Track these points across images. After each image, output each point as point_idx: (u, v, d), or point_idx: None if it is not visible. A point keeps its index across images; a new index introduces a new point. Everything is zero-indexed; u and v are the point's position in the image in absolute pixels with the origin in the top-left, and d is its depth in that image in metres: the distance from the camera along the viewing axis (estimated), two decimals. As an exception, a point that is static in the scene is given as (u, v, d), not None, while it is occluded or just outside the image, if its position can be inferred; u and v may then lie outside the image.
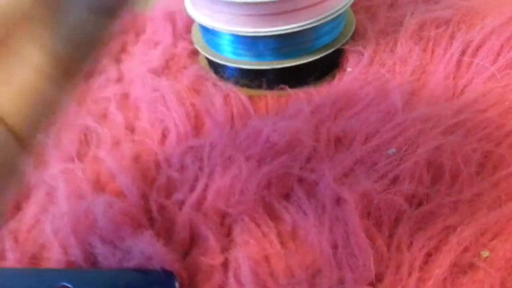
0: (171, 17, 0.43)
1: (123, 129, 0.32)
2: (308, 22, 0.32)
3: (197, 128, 0.31)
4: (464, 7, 0.39)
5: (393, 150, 0.27)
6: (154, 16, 0.44)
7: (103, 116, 0.33)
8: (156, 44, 0.42)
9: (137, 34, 0.43)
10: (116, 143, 0.31)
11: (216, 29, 0.34)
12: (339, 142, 0.29)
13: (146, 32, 0.43)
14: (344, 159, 0.27)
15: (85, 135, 0.31)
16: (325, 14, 0.33)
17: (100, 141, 0.31)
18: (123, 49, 0.42)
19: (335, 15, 0.34)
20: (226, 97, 0.33)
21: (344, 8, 0.34)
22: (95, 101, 0.35)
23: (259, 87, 0.35)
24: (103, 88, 0.36)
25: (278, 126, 0.28)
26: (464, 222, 0.23)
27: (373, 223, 0.24)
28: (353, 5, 0.42)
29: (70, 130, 0.31)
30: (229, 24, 0.33)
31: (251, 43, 0.34)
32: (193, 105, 0.33)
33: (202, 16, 0.35)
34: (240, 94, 0.33)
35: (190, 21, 0.43)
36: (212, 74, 0.37)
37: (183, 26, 0.42)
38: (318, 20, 0.33)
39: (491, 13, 0.38)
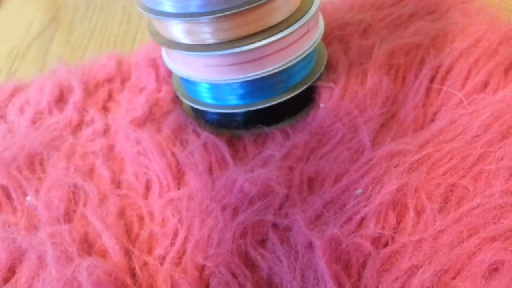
0: (153, 63, 0.45)
1: (109, 184, 0.34)
2: (276, 66, 0.34)
3: (178, 178, 0.33)
4: (434, 30, 0.40)
5: (360, 190, 0.28)
6: (138, 62, 0.46)
7: (90, 171, 0.35)
8: (141, 90, 0.44)
9: (123, 81, 0.45)
10: (102, 199, 0.32)
11: (191, 79, 0.35)
12: (311, 183, 0.31)
13: (132, 79, 0.45)
14: (315, 202, 0.29)
15: (74, 193, 0.33)
16: (293, 57, 0.34)
17: (87, 198, 0.33)
18: (110, 97, 0.44)
19: (303, 55, 0.35)
20: (205, 145, 0.35)
21: (311, 48, 0.35)
22: (83, 156, 0.36)
23: (238, 128, 0.37)
24: (91, 141, 0.38)
25: (250, 176, 0.29)
26: (427, 262, 0.24)
27: (342, 267, 0.25)
28: (325, 36, 0.43)
29: (59, 189, 0.33)
30: (203, 73, 0.35)
31: (226, 89, 0.36)
32: (174, 155, 0.34)
33: (178, 67, 0.36)
34: (218, 141, 0.35)
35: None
36: (193, 118, 0.39)
37: (166, 71, 0.44)
38: (286, 64, 0.34)
39: (459, 34, 0.39)
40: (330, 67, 0.40)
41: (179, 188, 0.32)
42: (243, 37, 0.32)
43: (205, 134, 0.35)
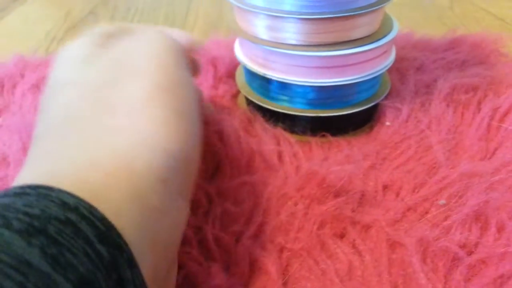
0: (213, 62, 0.45)
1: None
2: (354, 77, 0.35)
3: (249, 165, 0.33)
4: (489, 76, 0.43)
5: (443, 201, 0.29)
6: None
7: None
8: (198, 85, 0.44)
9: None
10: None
11: (267, 76, 0.36)
12: (387, 189, 0.31)
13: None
14: (395, 206, 0.29)
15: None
16: (370, 72, 0.35)
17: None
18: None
19: (378, 73, 0.36)
20: (275, 138, 0.35)
21: (386, 68, 0.37)
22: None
23: (303, 133, 0.37)
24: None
25: (334, 170, 0.29)
26: (516, 273, 0.24)
27: (430, 269, 0.25)
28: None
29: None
30: (281, 73, 0.35)
31: (299, 92, 0.36)
32: (246, 143, 0.34)
33: (254, 64, 0.37)
34: (288, 137, 0.35)
35: (231, 67, 0.45)
36: (258, 117, 0.39)
37: (225, 71, 0.44)
38: (363, 77, 0.35)
39: (514, 84, 0.42)
40: (391, 93, 0.41)
41: (250, 174, 0.32)
42: (327, 43, 0.33)
43: (274, 130, 0.35)
